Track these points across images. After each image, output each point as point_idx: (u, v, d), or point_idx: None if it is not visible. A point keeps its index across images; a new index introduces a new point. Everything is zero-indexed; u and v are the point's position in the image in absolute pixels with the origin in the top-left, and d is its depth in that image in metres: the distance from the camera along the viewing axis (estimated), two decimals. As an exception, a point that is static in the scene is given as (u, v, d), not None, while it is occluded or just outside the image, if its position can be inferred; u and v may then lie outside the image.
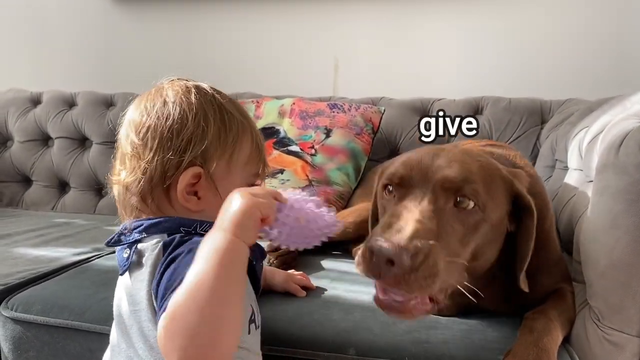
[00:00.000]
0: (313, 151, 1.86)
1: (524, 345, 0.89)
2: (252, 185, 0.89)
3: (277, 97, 2.09)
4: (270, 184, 1.80)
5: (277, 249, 1.42)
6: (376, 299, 0.84)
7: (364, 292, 1.20)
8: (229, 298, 0.61)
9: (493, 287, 1.01)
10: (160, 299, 0.68)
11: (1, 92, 2.52)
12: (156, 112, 0.82)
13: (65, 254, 1.49)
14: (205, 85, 0.89)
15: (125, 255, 0.80)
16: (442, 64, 2.26)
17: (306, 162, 1.84)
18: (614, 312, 0.93)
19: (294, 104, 1.99)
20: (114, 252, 1.50)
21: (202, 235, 0.70)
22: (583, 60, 2.10)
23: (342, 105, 1.97)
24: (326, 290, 1.20)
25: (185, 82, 0.89)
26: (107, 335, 0.88)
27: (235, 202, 0.69)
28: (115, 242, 0.83)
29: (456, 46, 2.24)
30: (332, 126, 1.90)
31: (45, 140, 2.39)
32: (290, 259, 1.40)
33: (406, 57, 2.30)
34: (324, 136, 1.89)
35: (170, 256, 0.73)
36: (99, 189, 2.31)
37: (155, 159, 0.80)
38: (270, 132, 1.93)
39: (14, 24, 2.73)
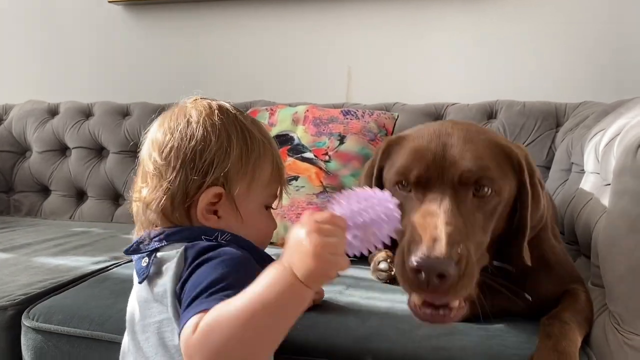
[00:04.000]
0: (327, 158, 1.86)
1: (544, 351, 0.89)
2: (269, 205, 0.91)
3: (291, 105, 2.10)
4: (284, 192, 1.81)
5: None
6: (415, 312, 0.84)
7: (380, 298, 1.21)
8: (275, 338, 0.64)
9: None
10: (186, 300, 0.69)
11: (20, 103, 2.57)
12: (180, 132, 0.83)
13: (84, 263, 1.51)
14: (228, 105, 0.90)
15: (144, 264, 0.81)
16: (455, 69, 2.25)
17: (320, 168, 1.84)
18: (635, 316, 0.92)
19: (307, 111, 2.00)
20: (132, 260, 1.53)
21: (225, 244, 0.77)
22: (597, 63, 2.08)
23: (355, 112, 1.97)
24: (342, 297, 1.20)
25: (208, 101, 0.89)
26: (128, 345, 0.89)
27: (309, 254, 0.62)
28: (134, 250, 0.84)
29: (469, 51, 2.23)
30: (346, 133, 1.91)
31: (63, 150, 2.43)
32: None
33: (419, 63, 2.30)
34: (337, 143, 1.89)
35: (198, 260, 0.74)
36: (116, 197, 2.34)
37: (178, 179, 0.81)
38: (284, 139, 1.94)
39: (31, 38, 2.79)
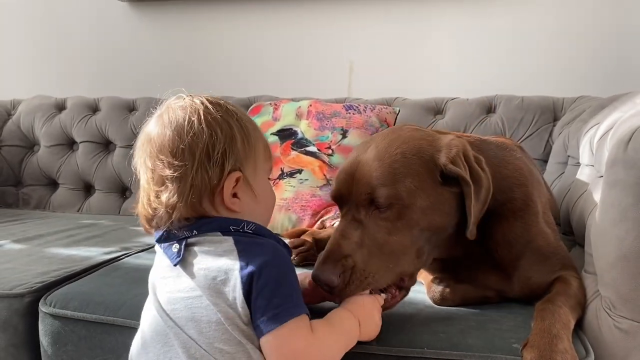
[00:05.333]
0: (330, 151, 1.91)
1: (539, 335, 0.93)
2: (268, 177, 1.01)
3: (294, 99, 2.15)
4: (289, 184, 1.86)
5: (297, 247, 1.47)
6: None
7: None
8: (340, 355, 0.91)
9: (473, 255, 1.10)
10: (274, 297, 0.82)
11: (27, 99, 2.61)
12: (186, 132, 0.87)
13: (95, 253, 1.56)
14: (213, 98, 0.96)
15: (175, 250, 0.89)
16: (455, 64, 2.29)
17: (324, 162, 1.89)
18: (625, 301, 0.96)
19: (310, 105, 2.04)
20: (142, 250, 1.58)
21: (250, 233, 0.90)
22: (595, 58, 2.12)
23: (357, 107, 2.01)
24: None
25: (198, 98, 0.94)
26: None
27: (373, 324, 0.97)
28: (165, 238, 0.91)
29: (469, 46, 2.27)
30: (349, 127, 1.95)
31: (70, 144, 2.48)
32: (310, 256, 1.45)
33: (420, 58, 2.34)
34: (340, 137, 1.93)
35: (261, 261, 0.84)
36: (123, 191, 2.39)
37: (199, 175, 0.87)
38: (288, 133, 1.98)
39: (38, 34, 2.83)
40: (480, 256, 1.09)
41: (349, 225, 1.00)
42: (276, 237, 0.94)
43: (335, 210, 1.76)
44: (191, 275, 0.87)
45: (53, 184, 2.48)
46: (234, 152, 0.89)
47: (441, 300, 1.13)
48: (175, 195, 0.86)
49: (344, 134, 1.94)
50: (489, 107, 2.03)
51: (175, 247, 0.89)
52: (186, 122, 0.88)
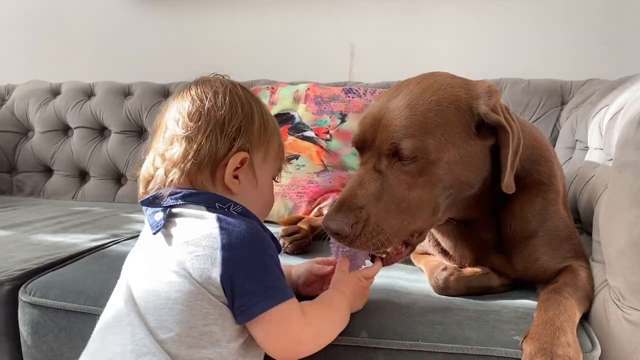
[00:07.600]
0: (328, 136, 1.85)
1: (541, 326, 0.87)
2: (274, 178, 1.01)
3: (292, 83, 2.08)
4: (285, 170, 1.80)
5: (291, 234, 1.42)
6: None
7: (379, 274, 1.19)
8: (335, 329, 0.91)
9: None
10: (261, 281, 0.80)
11: (22, 84, 2.56)
12: (209, 100, 0.90)
13: (82, 240, 1.51)
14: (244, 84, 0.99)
15: (158, 218, 0.86)
16: (459, 47, 2.22)
17: (321, 147, 1.83)
18: (635, 291, 0.90)
19: (308, 89, 1.98)
20: (130, 238, 1.53)
21: (235, 214, 0.86)
22: (604, 41, 2.05)
23: (357, 90, 1.95)
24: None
25: (228, 78, 0.98)
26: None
27: (360, 302, 0.99)
28: (149, 202, 0.88)
29: (473, 28, 2.20)
30: (348, 111, 1.89)
31: (65, 130, 2.43)
32: (304, 244, 1.40)
33: (423, 41, 2.27)
34: (339, 121, 1.87)
35: (244, 241, 0.81)
36: (118, 177, 2.34)
37: (209, 142, 0.88)
38: (285, 117, 1.92)
39: (33, 18, 2.78)
40: (490, 228, 1.06)
41: (368, 174, 0.95)
42: (262, 225, 0.90)
43: (332, 198, 1.70)
44: (168, 245, 0.84)
45: (48, 171, 2.44)
46: (248, 133, 0.91)
47: (444, 289, 1.08)
48: (180, 154, 0.87)
49: (343, 119, 1.87)
50: (494, 91, 1.96)
51: (158, 215, 0.87)
52: (211, 92, 0.91)
